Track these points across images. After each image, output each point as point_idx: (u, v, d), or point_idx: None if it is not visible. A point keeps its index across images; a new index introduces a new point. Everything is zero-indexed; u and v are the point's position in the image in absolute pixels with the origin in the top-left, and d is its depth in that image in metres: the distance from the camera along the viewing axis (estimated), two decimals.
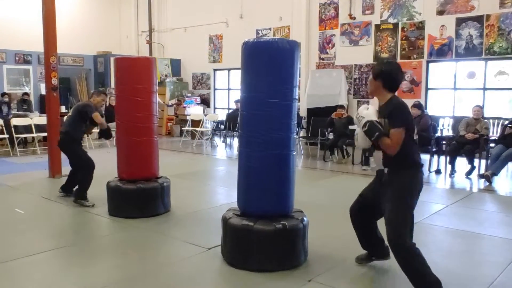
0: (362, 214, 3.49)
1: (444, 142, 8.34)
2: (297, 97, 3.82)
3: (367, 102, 11.19)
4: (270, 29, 12.93)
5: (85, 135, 6.34)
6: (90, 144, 10.87)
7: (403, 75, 3.27)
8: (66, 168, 7.63)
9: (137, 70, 5.23)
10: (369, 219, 3.50)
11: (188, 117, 13.04)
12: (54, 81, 7.46)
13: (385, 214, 3.16)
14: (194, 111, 13.55)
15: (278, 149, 3.67)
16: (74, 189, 5.87)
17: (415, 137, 3.22)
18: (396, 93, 3.26)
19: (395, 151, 3.05)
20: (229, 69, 14.21)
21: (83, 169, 5.73)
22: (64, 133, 5.87)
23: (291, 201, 3.85)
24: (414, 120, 3.35)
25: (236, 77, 13.87)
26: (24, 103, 12.10)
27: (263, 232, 3.60)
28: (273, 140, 3.65)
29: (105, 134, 6.21)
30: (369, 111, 3.16)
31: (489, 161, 7.45)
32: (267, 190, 3.71)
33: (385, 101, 3.20)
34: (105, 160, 7.41)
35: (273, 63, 3.62)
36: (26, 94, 12.54)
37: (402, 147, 3.06)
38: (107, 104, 11.31)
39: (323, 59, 12.03)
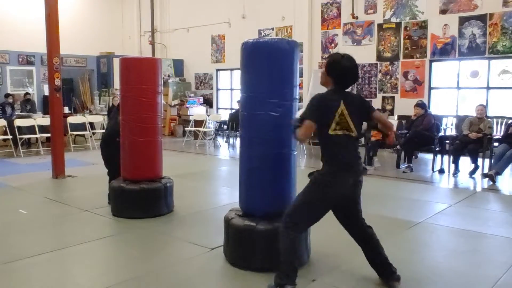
0: (348, 227, 3.41)
1: (447, 141, 8.32)
2: (297, 97, 3.82)
3: (370, 102, 11.16)
4: (272, 29, 12.92)
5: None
6: (93, 144, 10.90)
7: (352, 71, 3.21)
8: (69, 168, 7.68)
9: (143, 70, 5.24)
10: (355, 226, 3.36)
11: (191, 118, 13.05)
12: (57, 82, 7.48)
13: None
14: (197, 111, 13.56)
15: (279, 149, 3.67)
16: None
17: (339, 132, 3.09)
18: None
19: (302, 138, 3.20)
20: (231, 69, 14.21)
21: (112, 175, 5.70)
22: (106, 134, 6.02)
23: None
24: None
25: (238, 77, 13.85)
26: (27, 104, 12.13)
27: (265, 232, 3.59)
28: (273, 140, 3.64)
29: None
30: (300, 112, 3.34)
31: (492, 160, 7.42)
32: (269, 190, 3.71)
33: None
34: None
35: (272, 63, 3.61)
36: (28, 94, 12.55)
37: (322, 144, 3.17)
38: (110, 104, 11.34)
39: (325, 58, 12.00)
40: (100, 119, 11.87)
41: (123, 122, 5.36)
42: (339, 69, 3.17)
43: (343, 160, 3.11)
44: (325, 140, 3.14)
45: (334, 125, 3.08)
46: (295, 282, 3.15)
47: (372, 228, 3.37)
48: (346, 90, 3.24)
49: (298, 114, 3.35)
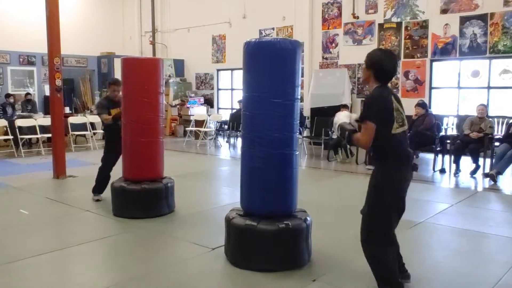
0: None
1: (448, 141, 8.31)
2: (299, 97, 3.82)
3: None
4: (273, 29, 12.92)
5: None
6: (94, 145, 10.91)
7: (395, 65, 3.14)
8: (70, 168, 7.68)
9: (144, 70, 5.23)
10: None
11: (191, 118, 13.06)
12: (58, 82, 7.48)
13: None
14: (197, 111, 13.56)
15: (281, 149, 3.67)
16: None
17: (399, 130, 3.00)
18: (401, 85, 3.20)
19: (366, 145, 2.99)
20: (232, 69, 14.21)
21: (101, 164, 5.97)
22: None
23: (294, 201, 3.85)
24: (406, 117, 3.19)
25: (239, 77, 13.86)
26: (28, 104, 12.13)
27: (266, 232, 3.59)
28: (275, 140, 3.64)
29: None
30: (340, 116, 3.18)
31: (493, 160, 7.42)
32: (270, 190, 3.71)
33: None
34: None
35: (275, 63, 3.61)
36: (29, 94, 12.55)
37: (381, 144, 2.98)
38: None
39: (326, 58, 12.01)
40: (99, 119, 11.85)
41: (125, 123, 5.36)
42: (385, 66, 3.06)
43: (404, 156, 3.05)
44: (389, 137, 2.97)
45: (396, 124, 2.99)
46: None
47: None
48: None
49: (335, 125, 3.16)
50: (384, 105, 2.98)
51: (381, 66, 3.05)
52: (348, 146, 9.26)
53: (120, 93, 5.62)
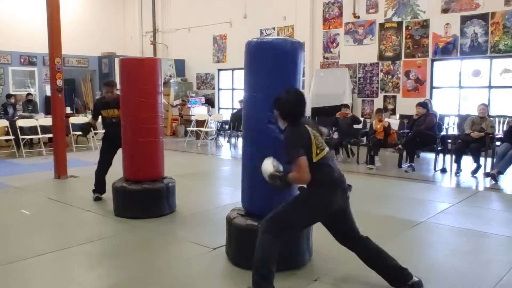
0: (344, 242, 3.37)
1: (449, 140, 8.31)
2: None
3: (372, 102, 11.18)
4: (274, 28, 12.92)
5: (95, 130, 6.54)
6: (96, 145, 10.91)
7: (301, 104, 3.22)
8: (72, 169, 7.69)
9: (143, 71, 5.24)
10: (350, 240, 3.34)
11: (192, 117, 13.06)
12: (59, 83, 7.49)
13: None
14: (198, 111, 13.57)
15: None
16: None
17: (320, 155, 3.07)
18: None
19: (305, 178, 2.99)
20: (233, 69, 14.21)
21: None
22: None
23: None
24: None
25: (240, 77, 13.87)
26: (29, 104, 12.13)
27: None
28: (276, 140, 3.63)
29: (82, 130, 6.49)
30: (264, 166, 3.18)
31: (495, 160, 7.42)
32: (271, 190, 3.69)
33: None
34: None
35: (276, 63, 3.61)
36: (30, 94, 12.56)
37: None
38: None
39: (327, 58, 12.01)
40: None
41: (124, 123, 5.37)
42: (289, 110, 3.15)
43: (330, 179, 3.11)
44: (312, 167, 3.01)
45: (317, 150, 3.06)
46: (273, 284, 3.11)
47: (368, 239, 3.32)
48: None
49: (266, 177, 3.19)
50: (303, 137, 3.05)
51: (285, 108, 3.15)
52: (349, 146, 9.26)
53: (118, 92, 5.68)
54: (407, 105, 10.26)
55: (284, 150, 3.09)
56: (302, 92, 3.30)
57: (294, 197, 3.25)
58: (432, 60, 10.36)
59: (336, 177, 3.15)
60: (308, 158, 3.01)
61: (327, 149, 3.16)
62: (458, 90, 10.22)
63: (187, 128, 13.02)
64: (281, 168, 3.15)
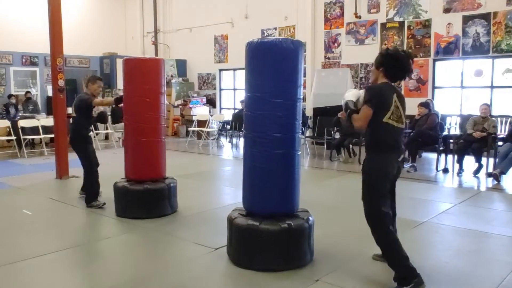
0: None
1: (451, 140, 8.28)
2: (301, 97, 3.81)
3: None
4: (275, 29, 12.92)
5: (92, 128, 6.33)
6: (97, 145, 10.91)
7: (408, 65, 3.30)
8: (73, 169, 7.69)
9: (146, 71, 5.23)
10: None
11: (194, 118, 13.06)
12: (61, 83, 7.49)
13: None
14: (200, 111, 13.56)
15: (283, 149, 3.66)
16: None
17: (392, 122, 3.22)
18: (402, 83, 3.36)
19: (360, 127, 3.24)
20: (234, 69, 14.22)
21: (85, 173, 5.72)
22: (70, 132, 5.93)
23: (297, 201, 3.84)
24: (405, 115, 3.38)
25: (241, 77, 13.84)
26: (29, 103, 12.11)
27: (268, 232, 3.59)
28: (278, 140, 3.64)
29: (101, 119, 6.31)
30: (349, 93, 3.39)
31: (497, 160, 7.40)
32: (272, 190, 3.70)
33: None
34: (111, 161, 7.44)
35: (277, 63, 3.61)
36: (28, 92, 12.53)
37: (373, 130, 3.23)
38: (113, 106, 11.32)
39: (329, 58, 12.00)
40: None
41: (127, 123, 5.37)
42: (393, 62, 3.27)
43: (394, 146, 3.27)
44: (383, 128, 3.20)
45: (390, 115, 3.19)
46: (417, 280, 3.16)
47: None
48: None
49: (343, 101, 3.39)
50: (382, 95, 3.20)
51: (391, 64, 3.27)
52: (350, 146, 9.24)
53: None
54: (409, 105, 10.18)
55: (367, 92, 3.24)
56: (409, 56, 3.35)
57: (363, 180, 3.31)
58: (434, 60, 10.34)
59: (397, 144, 3.28)
60: (380, 115, 3.16)
61: (401, 125, 3.28)
62: (460, 90, 10.21)
63: (189, 128, 13.03)
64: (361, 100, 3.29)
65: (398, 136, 3.29)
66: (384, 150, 3.24)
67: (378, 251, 3.45)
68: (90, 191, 5.70)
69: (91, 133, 6.04)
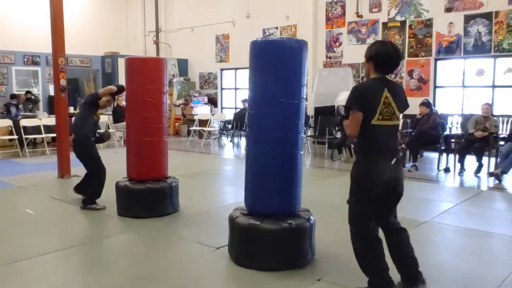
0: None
1: (453, 140, 8.28)
2: (305, 96, 3.81)
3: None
4: (277, 28, 12.91)
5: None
6: (98, 144, 10.91)
7: (396, 55, 3.08)
8: (75, 168, 7.70)
9: (148, 70, 5.25)
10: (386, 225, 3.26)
11: (195, 117, 13.07)
12: (63, 82, 7.51)
13: None
14: (201, 110, 13.57)
15: (286, 148, 3.67)
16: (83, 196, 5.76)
17: (381, 123, 2.97)
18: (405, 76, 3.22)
19: (350, 132, 3.00)
20: (236, 69, 14.22)
21: (94, 175, 5.62)
22: (75, 136, 5.71)
23: (298, 200, 3.85)
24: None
25: (243, 77, 13.88)
26: (29, 103, 12.10)
27: (270, 231, 3.59)
28: (280, 139, 3.65)
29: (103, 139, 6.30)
30: (341, 97, 3.25)
31: (498, 159, 7.39)
32: (274, 189, 3.71)
33: None
34: (113, 161, 7.44)
35: (281, 63, 3.61)
36: (29, 92, 12.53)
37: (361, 133, 2.99)
38: (115, 105, 11.35)
39: (330, 57, 12.00)
40: (105, 119, 11.88)
41: (129, 122, 5.38)
42: (380, 55, 3.04)
43: (385, 147, 3.02)
44: (367, 131, 2.97)
45: (379, 116, 2.96)
46: (392, 282, 3.08)
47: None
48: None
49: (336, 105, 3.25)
50: (366, 95, 2.97)
51: (379, 57, 3.03)
52: (352, 145, 9.23)
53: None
54: (410, 105, 10.20)
55: (348, 98, 3.04)
56: (398, 50, 3.15)
57: (350, 187, 3.10)
58: (436, 60, 10.33)
59: (388, 147, 3.03)
60: (369, 117, 2.94)
61: (394, 121, 3.05)
62: (461, 89, 10.19)
63: (190, 128, 13.03)
64: None
65: (390, 136, 3.05)
66: (373, 153, 3.00)
67: None
68: (95, 193, 5.60)
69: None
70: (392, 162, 3.03)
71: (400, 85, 3.31)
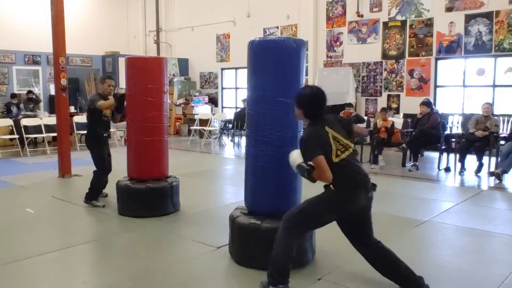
0: (358, 246, 3.33)
1: (453, 139, 8.29)
2: None
3: (375, 100, 11.17)
4: (277, 27, 12.91)
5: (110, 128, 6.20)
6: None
7: (321, 102, 3.22)
8: (76, 167, 7.71)
9: (149, 70, 5.25)
10: (363, 244, 3.30)
11: (196, 117, 13.07)
12: (63, 82, 7.51)
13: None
14: (202, 110, 13.57)
15: (285, 148, 3.66)
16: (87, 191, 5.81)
17: (342, 156, 3.06)
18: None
19: (327, 178, 2.98)
20: (236, 68, 14.22)
21: (97, 172, 5.74)
22: (86, 132, 6.04)
23: (299, 200, 3.85)
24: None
25: (243, 76, 13.87)
26: (30, 102, 12.10)
27: (270, 231, 3.58)
28: (280, 139, 3.65)
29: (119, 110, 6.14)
30: (293, 157, 3.19)
31: (499, 159, 7.39)
32: (274, 189, 3.71)
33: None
34: (114, 160, 7.43)
35: (279, 62, 3.62)
36: (30, 92, 12.52)
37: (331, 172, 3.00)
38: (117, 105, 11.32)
39: (330, 57, 12.00)
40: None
41: (129, 122, 5.38)
42: (313, 104, 3.17)
43: (353, 178, 3.08)
44: (334, 167, 3.00)
45: (336, 152, 3.05)
46: (288, 282, 3.12)
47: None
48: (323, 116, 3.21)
49: (293, 167, 3.20)
50: (320, 138, 3.05)
51: (305, 105, 3.15)
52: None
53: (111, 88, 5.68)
54: (411, 104, 10.24)
55: (302, 149, 3.11)
56: (322, 90, 3.25)
57: (319, 194, 3.17)
58: (436, 59, 10.33)
59: (360, 178, 3.11)
60: (328, 158, 3.00)
61: (351, 149, 3.15)
62: (462, 89, 10.19)
63: (191, 127, 13.03)
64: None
65: (355, 164, 3.13)
66: (352, 187, 3.05)
67: None
68: (97, 189, 5.72)
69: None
70: (370, 195, 3.13)
71: (330, 115, 3.34)
